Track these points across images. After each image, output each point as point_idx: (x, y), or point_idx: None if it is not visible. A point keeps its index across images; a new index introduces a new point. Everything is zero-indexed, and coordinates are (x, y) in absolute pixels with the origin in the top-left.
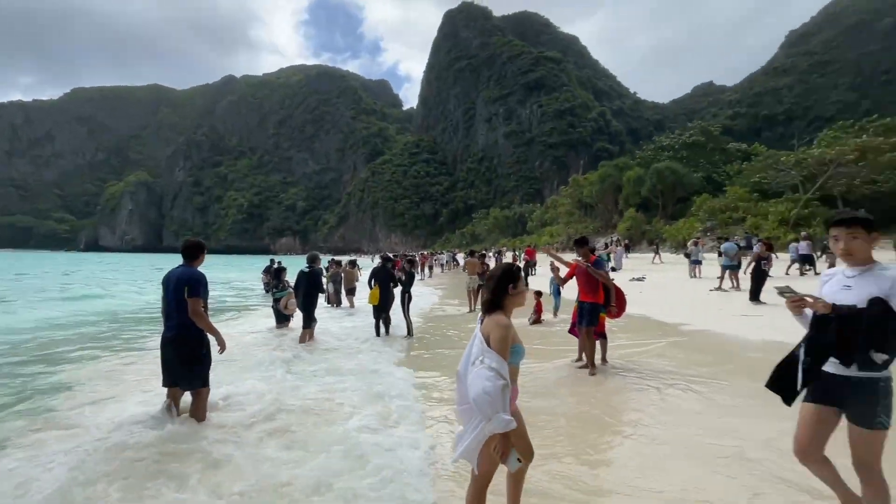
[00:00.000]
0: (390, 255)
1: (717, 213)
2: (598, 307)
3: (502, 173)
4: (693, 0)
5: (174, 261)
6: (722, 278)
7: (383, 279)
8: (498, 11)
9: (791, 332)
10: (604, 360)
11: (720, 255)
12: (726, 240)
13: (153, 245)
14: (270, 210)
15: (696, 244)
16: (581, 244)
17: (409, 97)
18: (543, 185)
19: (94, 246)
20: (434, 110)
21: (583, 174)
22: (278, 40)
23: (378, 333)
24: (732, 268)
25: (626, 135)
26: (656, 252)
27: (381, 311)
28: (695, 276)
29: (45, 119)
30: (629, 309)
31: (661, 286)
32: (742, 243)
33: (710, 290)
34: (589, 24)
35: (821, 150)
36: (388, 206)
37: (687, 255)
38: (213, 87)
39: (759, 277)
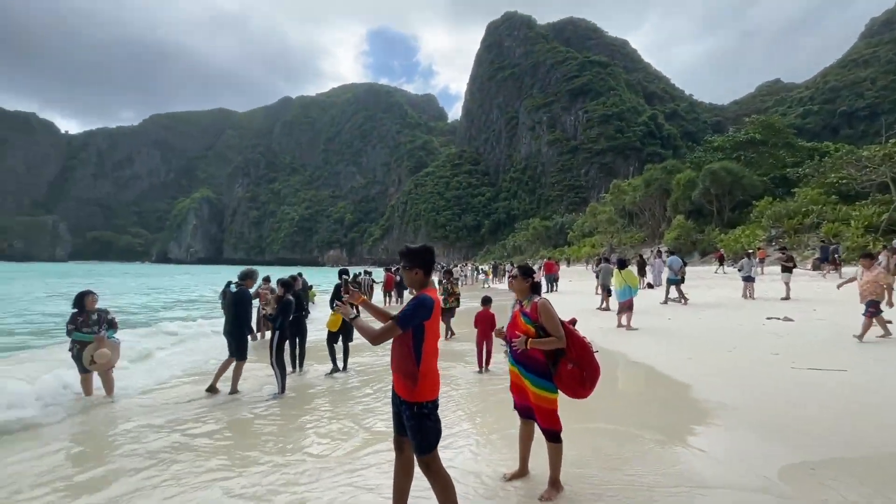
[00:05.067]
0: (366, 269)
1: (783, 218)
2: (539, 377)
3: (546, 182)
4: (743, 3)
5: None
6: (667, 292)
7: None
8: (542, 20)
9: None
10: (554, 483)
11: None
12: (824, 245)
13: (214, 257)
14: (319, 223)
15: (748, 256)
16: (525, 273)
17: (458, 114)
18: (589, 194)
19: (164, 258)
20: (477, 121)
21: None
22: (341, 69)
23: (335, 366)
24: (675, 282)
25: (680, 138)
26: (720, 263)
27: (336, 339)
28: (749, 297)
29: (126, 144)
30: (634, 352)
31: (702, 309)
32: (816, 253)
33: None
34: (636, 36)
35: None
36: (430, 217)
37: (739, 270)
38: (271, 108)
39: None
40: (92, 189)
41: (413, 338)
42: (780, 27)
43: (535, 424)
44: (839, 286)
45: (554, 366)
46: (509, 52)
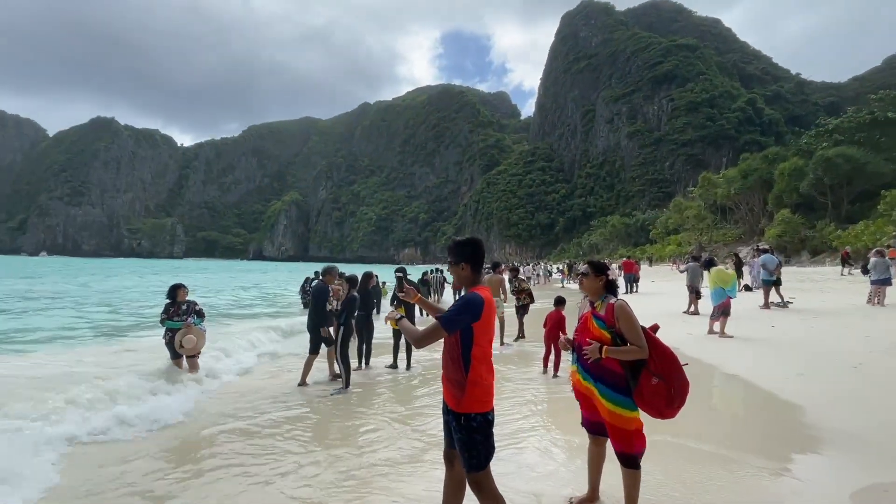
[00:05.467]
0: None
1: None
2: (617, 392)
3: (625, 177)
4: None
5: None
6: (766, 295)
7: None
8: (621, 6)
9: None
10: None
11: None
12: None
13: (301, 255)
14: (395, 223)
15: (881, 255)
16: (598, 270)
17: (531, 111)
18: (675, 188)
19: (259, 255)
20: (550, 117)
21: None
22: (416, 72)
23: (394, 362)
24: (771, 283)
25: (784, 124)
26: (844, 263)
27: (401, 336)
28: (877, 303)
29: (229, 153)
30: (730, 363)
31: (814, 316)
32: None
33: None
34: (730, 14)
35: None
36: (503, 216)
37: (865, 271)
38: (352, 114)
39: None
40: (201, 193)
41: (461, 341)
42: None
43: (608, 443)
44: None
45: (634, 379)
46: (585, 42)
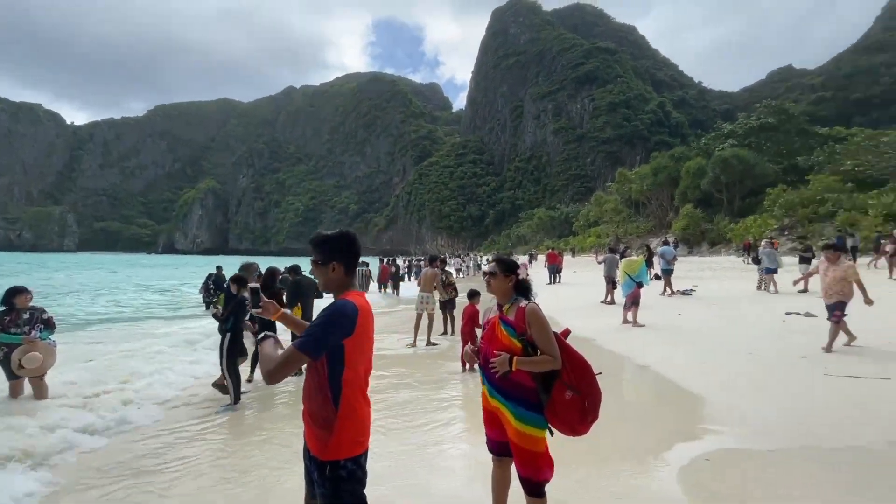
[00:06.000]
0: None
1: (796, 207)
2: (527, 409)
3: (551, 172)
4: None
5: None
6: (666, 284)
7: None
8: (548, 6)
9: None
10: None
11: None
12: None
13: (220, 247)
14: (324, 213)
15: (771, 245)
16: (507, 269)
17: (463, 103)
18: (596, 183)
19: (171, 248)
20: (481, 110)
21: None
22: (346, 59)
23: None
24: (669, 272)
25: (689, 126)
26: (747, 252)
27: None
28: (764, 289)
29: (131, 134)
30: (640, 353)
31: (714, 303)
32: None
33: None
34: (644, 22)
35: None
36: (435, 207)
37: (756, 261)
38: (276, 98)
39: None
40: (99, 179)
41: (327, 365)
42: (791, 12)
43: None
44: (795, 283)
45: (546, 393)
46: (514, 39)
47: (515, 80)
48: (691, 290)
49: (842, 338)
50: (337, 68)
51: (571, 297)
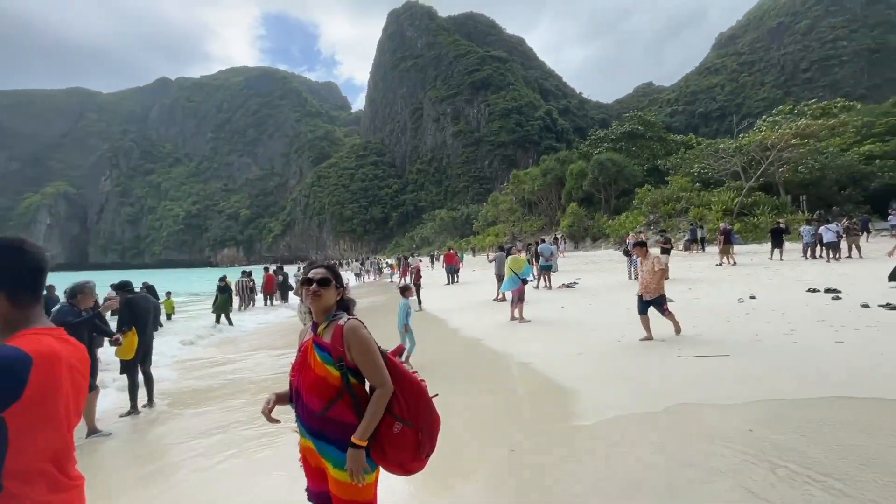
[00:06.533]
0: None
1: (659, 204)
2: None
3: (452, 174)
4: (621, 13)
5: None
6: (548, 280)
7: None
8: (443, 13)
9: None
10: None
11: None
12: (693, 227)
13: (78, 262)
14: (210, 220)
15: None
16: (321, 282)
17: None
18: (493, 185)
19: None
20: (381, 112)
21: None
22: (231, 52)
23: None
24: (548, 268)
25: (572, 133)
26: (626, 251)
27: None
28: (634, 279)
29: None
30: (523, 350)
31: (595, 294)
32: (686, 235)
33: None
34: (532, 35)
35: (762, 134)
36: (336, 210)
37: (627, 253)
38: (146, 90)
39: None
40: None
41: None
42: (651, 36)
43: None
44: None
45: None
46: (412, 42)
47: (414, 83)
48: (575, 282)
49: (666, 325)
50: (220, 61)
51: (466, 296)
